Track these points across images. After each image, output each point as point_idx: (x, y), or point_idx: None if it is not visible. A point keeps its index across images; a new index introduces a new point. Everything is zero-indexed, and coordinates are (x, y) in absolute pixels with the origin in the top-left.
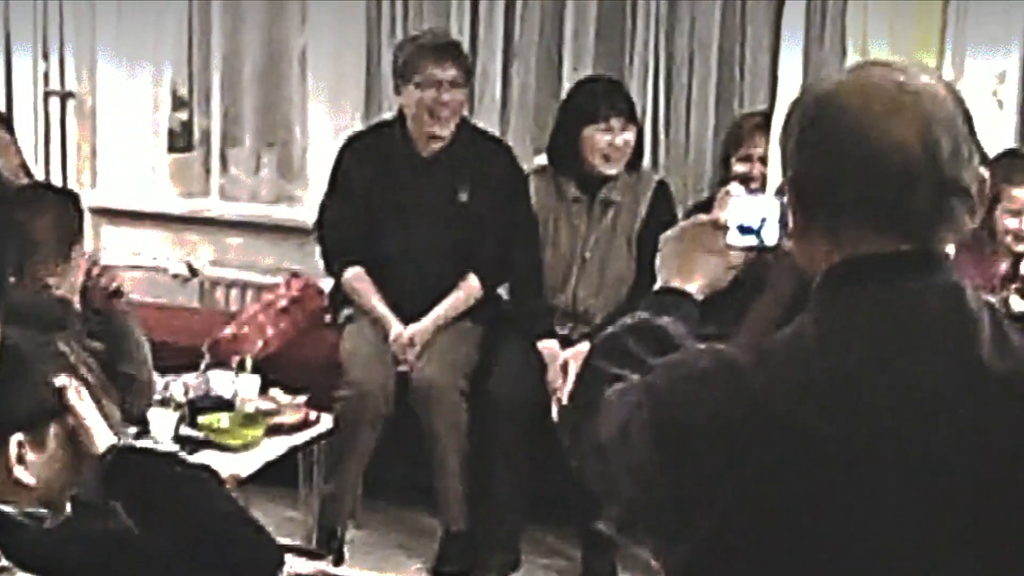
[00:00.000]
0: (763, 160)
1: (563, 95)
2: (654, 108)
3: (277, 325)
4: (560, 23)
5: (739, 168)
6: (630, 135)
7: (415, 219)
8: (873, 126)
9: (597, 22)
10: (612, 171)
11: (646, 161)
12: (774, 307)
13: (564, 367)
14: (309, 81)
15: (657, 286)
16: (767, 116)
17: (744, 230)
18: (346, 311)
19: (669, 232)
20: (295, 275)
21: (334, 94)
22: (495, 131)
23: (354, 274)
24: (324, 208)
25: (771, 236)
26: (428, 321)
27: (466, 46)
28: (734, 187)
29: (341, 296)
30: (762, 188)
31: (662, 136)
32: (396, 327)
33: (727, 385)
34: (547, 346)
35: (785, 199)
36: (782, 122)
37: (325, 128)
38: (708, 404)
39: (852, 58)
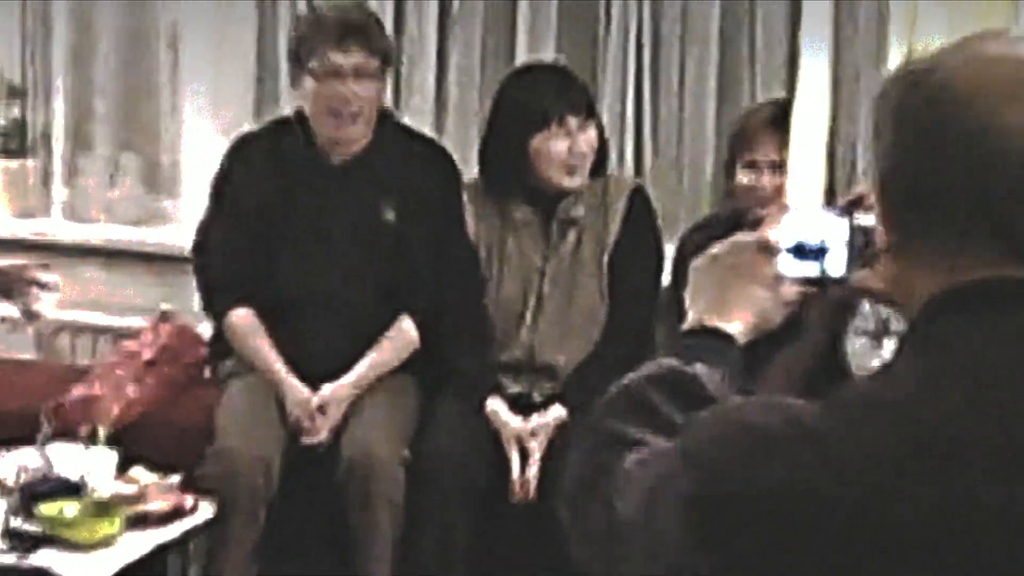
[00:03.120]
0: (776, 167)
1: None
2: (637, 101)
3: (141, 383)
4: None
5: (743, 178)
6: (592, 133)
7: (326, 245)
8: (993, 114)
9: None
10: (575, 183)
11: (621, 168)
12: (808, 358)
13: (523, 440)
14: (182, 67)
15: (687, 325)
16: (783, 109)
17: (801, 255)
18: (228, 363)
19: (703, 257)
20: (165, 317)
21: (215, 84)
22: (427, 131)
23: (240, 317)
24: (205, 229)
25: (836, 264)
26: (348, 381)
27: (389, 22)
28: (789, 200)
29: (224, 344)
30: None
31: (647, 138)
32: (295, 391)
33: (792, 448)
34: (495, 410)
35: (856, 217)
36: (827, 115)
37: (204, 128)
38: (767, 473)
39: (896, 51)
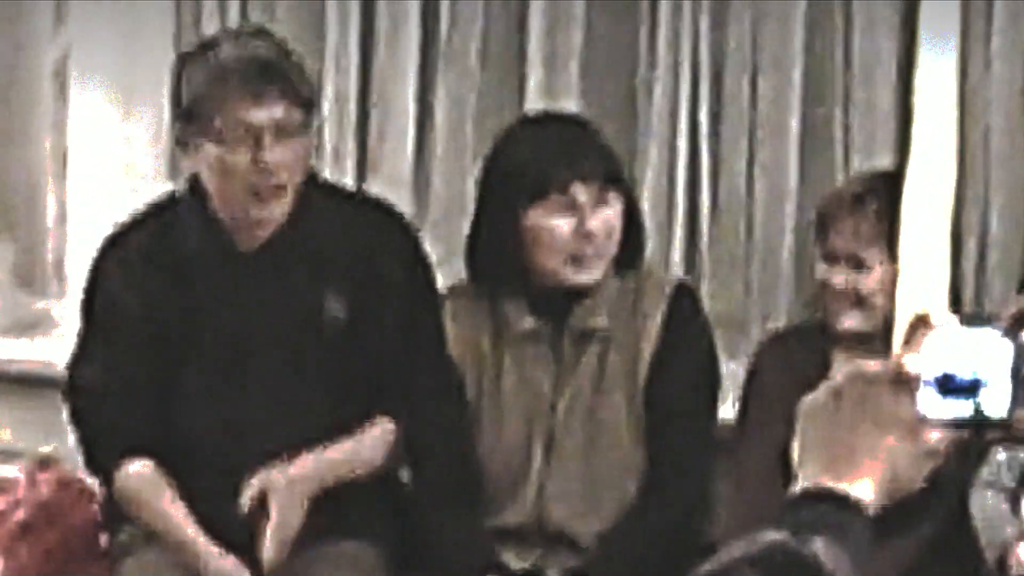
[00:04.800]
0: (859, 264)
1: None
2: (690, 170)
3: (11, 555)
4: (523, 20)
5: (822, 273)
6: (612, 211)
7: (246, 366)
8: None
9: (586, 21)
10: (587, 278)
11: (659, 257)
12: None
13: None
14: (71, 115)
15: (799, 487)
16: (887, 183)
17: (949, 389)
18: (123, 535)
19: (816, 393)
20: (45, 464)
21: (116, 138)
22: (403, 206)
23: (134, 472)
24: (77, 364)
25: (996, 401)
26: (306, 467)
27: (354, 49)
28: (934, 312)
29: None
30: (871, 308)
31: (703, 221)
32: (220, 564)
33: None
34: None
35: None
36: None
37: (98, 200)
38: None
39: None
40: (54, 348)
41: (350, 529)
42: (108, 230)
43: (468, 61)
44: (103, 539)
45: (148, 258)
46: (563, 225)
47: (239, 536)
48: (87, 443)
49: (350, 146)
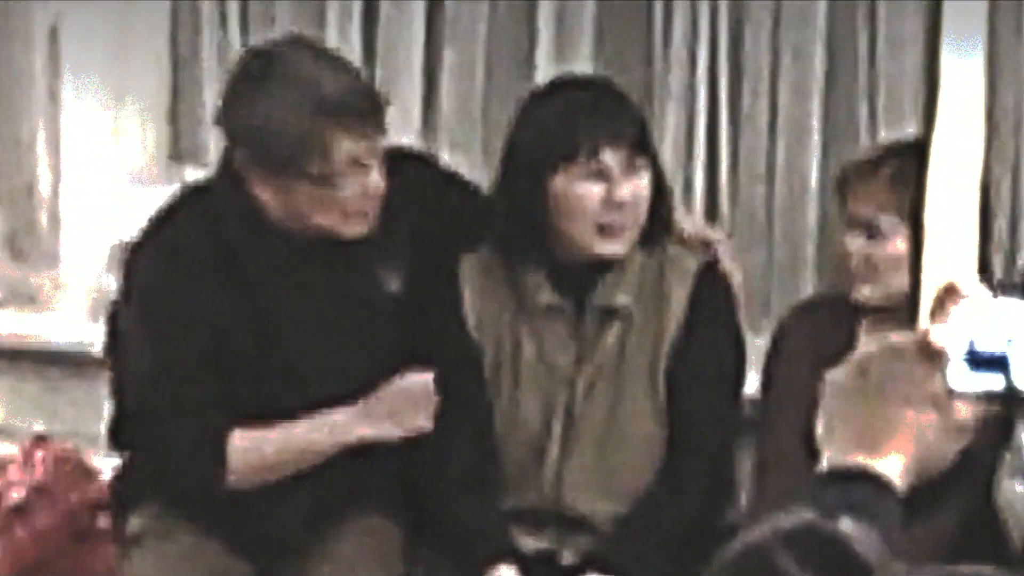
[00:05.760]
0: (875, 232)
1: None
2: (709, 139)
3: (8, 537)
4: None
5: (848, 244)
6: (642, 181)
7: (311, 350)
8: None
9: None
10: (615, 249)
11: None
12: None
13: None
14: (65, 83)
15: (825, 465)
16: (909, 150)
17: (981, 362)
18: (134, 523)
19: (841, 367)
20: (40, 442)
21: (113, 103)
22: None
23: (239, 439)
24: (145, 385)
25: None
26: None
27: (357, 39)
28: (962, 282)
29: (135, 486)
30: (886, 278)
31: (722, 191)
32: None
33: None
34: None
35: None
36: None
37: (93, 167)
38: None
39: None
40: (46, 323)
41: (373, 504)
42: (109, 199)
43: (475, 37)
44: (103, 521)
45: (207, 264)
46: (592, 192)
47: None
48: (182, 466)
49: None
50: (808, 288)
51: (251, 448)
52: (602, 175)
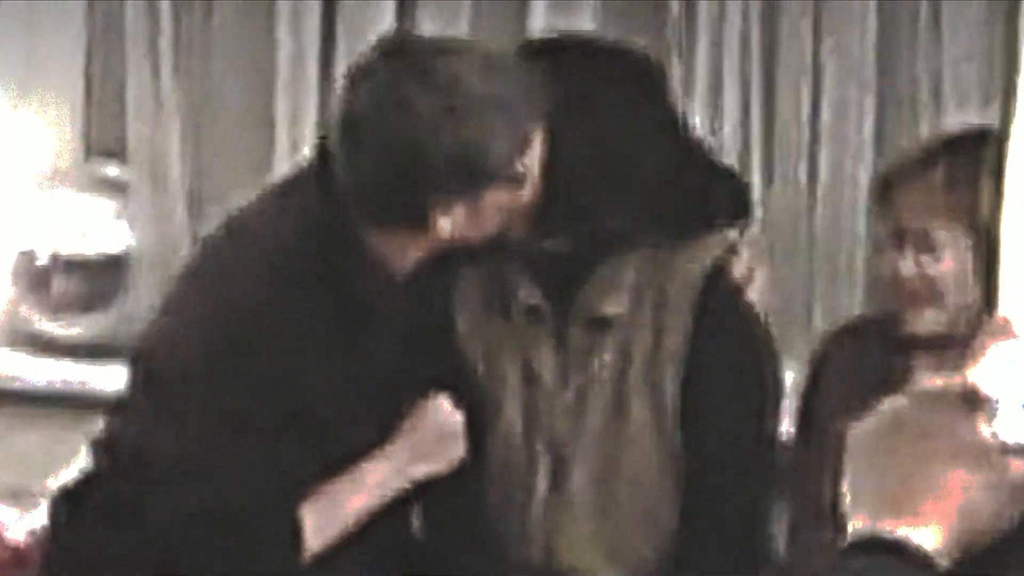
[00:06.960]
0: (930, 246)
1: None
2: (742, 120)
3: None
4: None
5: (895, 263)
6: None
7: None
8: None
9: None
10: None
11: None
12: None
13: None
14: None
15: (851, 534)
16: (971, 146)
17: None
18: None
19: (867, 422)
20: None
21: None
22: None
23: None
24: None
25: None
26: None
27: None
28: (1015, 317)
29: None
30: (946, 303)
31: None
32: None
33: None
34: None
35: None
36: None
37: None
38: None
39: None
40: None
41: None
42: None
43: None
44: None
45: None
46: None
47: None
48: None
49: (312, 98)
50: (853, 303)
51: (324, 519)
52: None
